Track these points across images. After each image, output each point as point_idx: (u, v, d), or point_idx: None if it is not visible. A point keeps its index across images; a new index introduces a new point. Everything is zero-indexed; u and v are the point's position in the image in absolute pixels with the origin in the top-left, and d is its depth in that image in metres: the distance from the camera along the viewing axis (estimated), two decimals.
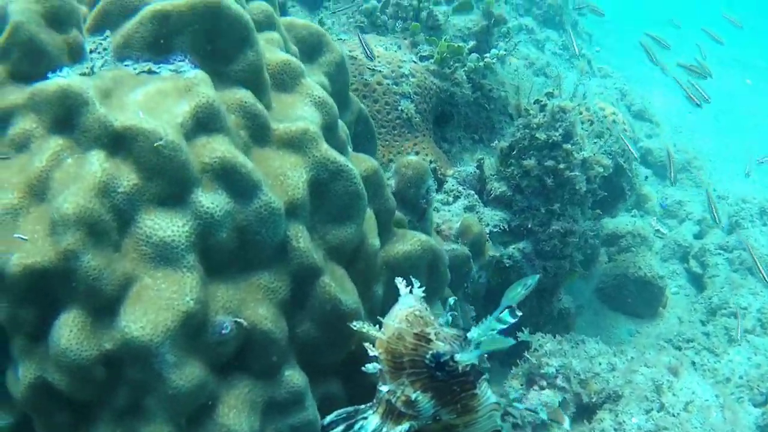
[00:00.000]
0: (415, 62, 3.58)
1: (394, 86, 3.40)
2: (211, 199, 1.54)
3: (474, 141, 3.93)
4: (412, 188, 2.59)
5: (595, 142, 3.69)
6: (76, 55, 1.74)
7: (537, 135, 3.29)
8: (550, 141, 3.30)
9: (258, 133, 1.72)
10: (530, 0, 6.45)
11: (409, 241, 2.08)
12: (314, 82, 1.93)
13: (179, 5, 1.72)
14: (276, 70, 1.90)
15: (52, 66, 1.68)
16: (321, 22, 4.86)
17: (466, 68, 3.72)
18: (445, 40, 3.67)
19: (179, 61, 1.73)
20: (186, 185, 1.53)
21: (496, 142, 3.50)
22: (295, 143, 1.74)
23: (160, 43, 1.74)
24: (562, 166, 3.33)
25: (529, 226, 3.42)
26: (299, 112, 1.82)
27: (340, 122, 1.97)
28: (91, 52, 1.80)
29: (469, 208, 3.33)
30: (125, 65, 1.76)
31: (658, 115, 6.42)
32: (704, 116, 6.94)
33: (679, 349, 4.57)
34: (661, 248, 5.40)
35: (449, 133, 3.83)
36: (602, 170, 3.53)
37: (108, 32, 1.84)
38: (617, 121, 4.26)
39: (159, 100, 1.60)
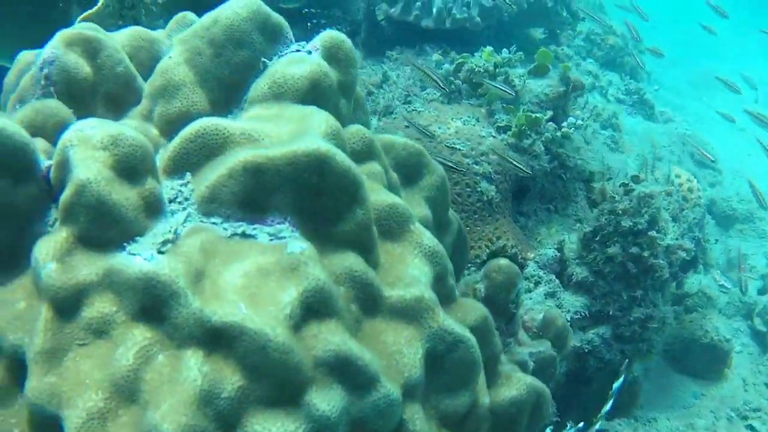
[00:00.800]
0: (494, 137, 3.50)
1: (475, 165, 3.34)
2: (326, 400, 1.39)
3: (549, 211, 3.85)
4: (502, 293, 2.53)
5: (674, 223, 3.59)
6: (153, 209, 1.53)
7: (623, 222, 3.21)
8: (636, 228, 3.21)
9: (369, 304, 1.57)
10: (591, 41, 6.32)
11: (515, 386, 2.00)
12: (421, 225, 1.84)
13: (276, 158, 1.51)
14: (382, 215, 1.74)
15: (128, 230, 1.48)
16: (386, 76, 4.81)
17: (543, 139, 3.64)
18: (523, 111, 3.59)
19: (278, 223, 1.54)
20: (298, 386, 1.38)
21: (579, 225, 3.42)
22: (410, 313, 1.60)
23: (254, 200, 1.55)
24: (646, 253, 3.24)
25: (610, 312, 3.33)
26: (410, 269, 1.72)
27: (449, 266, 1.90)
28: (170, 201, 1.60)
29: (550, 295, 3.27)
30: (213, 223, 1.56)
31: (718, 158, 6.26)
32: (764, 159, 6.75)
33: (746, 418, 4.48)
34: (725, 305, 5.27)
35: (525, 206, 3.76)
36: (685, 255, 3.44)
37: (189, 176, 1.63)
38: (692, 188, 4.15)
39: (260, 283, 1.41)
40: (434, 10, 5.00)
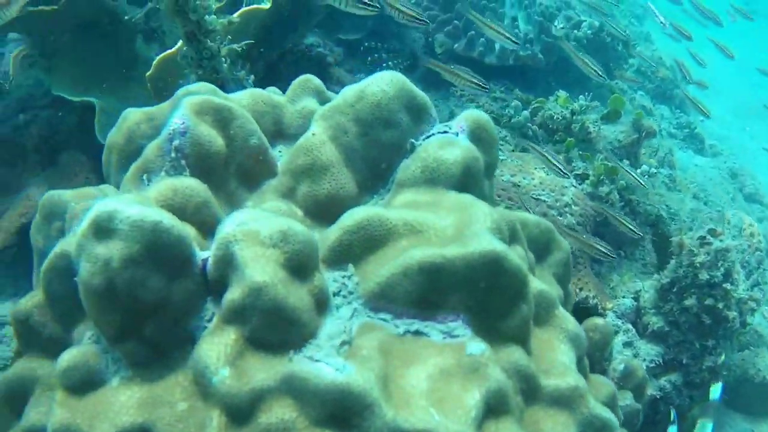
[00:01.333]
0: (575, 186, 3.62)
1: (559, 217, 3.45)
2: None
3: (620, 257, 3.96)
4: (597, 352, 2.64)
5: (747, 272, 3.70)
6: (322, 306, 1.53)
7: (700, 275, 3.32)
8: (712, 281, 3.32)
9: (530, 395, 1.68)
10: (642, 74, 6.41)
11: None
12: (563, 309, 1.97)
13: (453, 259, 1.56)
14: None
15: (302, 332, 1.46)
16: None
17: (618, 186, 3.75)
18: (600, 160, 3.71)
19: (451, 320, 1.60)
20: None
21: (655, 276, 3.53)
22: (564, 401, 1.71)
23: (427, 299, 1.59)
24: (720, 305, 3.35)
25: (683, 360, 3.45)
26: (559, 356, 1.83)
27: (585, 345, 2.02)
28: (334, 294, 1.60)
29: (627, 344, 3.39)
30: (382, 319, 1.59)
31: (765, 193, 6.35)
32: None
33: None
34: None
35: None
36: (755, 306, 3.55)
37: (351, 268, 1.66)
38: (754, 233, 4.25)
39: (444, 386, 1.48)
40: (497, 46, 5.12)
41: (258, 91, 2.28)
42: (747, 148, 7.32)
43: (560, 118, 3.87)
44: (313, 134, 1.99)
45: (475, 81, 3.59)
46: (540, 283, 1.89)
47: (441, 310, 1.61)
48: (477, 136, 1.99)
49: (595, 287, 3.47)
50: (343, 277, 1.65)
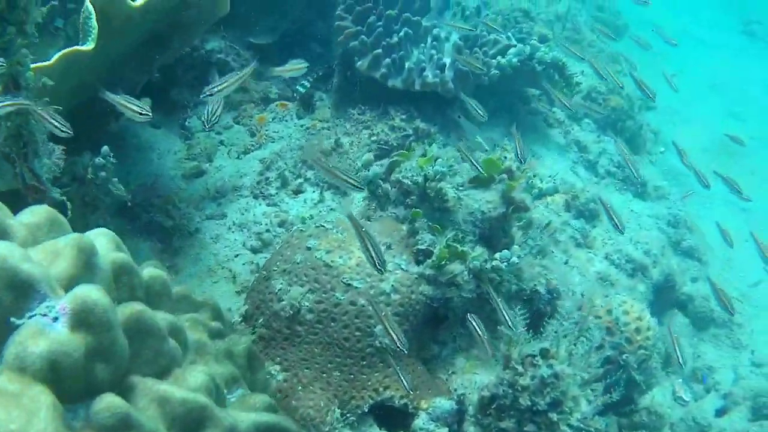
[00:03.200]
0: (404, 270, 3.14)
1: (370, 308, 2.99)
2: None
3: (472, 336, 3.50)
4: None
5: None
6: None
7: (520, 400, 2.85)
8: (534, 408, 2.86)
9: None
10: (591, 99, 5.81)
11: None
12: None
13: None
14: None
15: None
16: (338, 143, 4.44)
17: (470, 267, 3.28)
18: (446, 244, 3.22)
19: None
20: None
21: (480, 389, 3.06)
22: None
23: None
24: None
25: None
26: None
27: None
28: None
29: None
30: None
31: (710, 242, 5.76)
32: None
33: None
34: (678, 420, 4.89)
35: (442, 334, 3.42)
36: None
37: None
38: (640, 329, 3.74)
39: None
40: (406, 67, 4.57)
41: None
42: (705, 191, 6.66)
43: (410, 183, 3.36)
44: None
45: (351, 181, 3.08)
46: None
47: None
48: (82, 320, 1.63)
49: (416, 377, 3.04)
50: None
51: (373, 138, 4.47)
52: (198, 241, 4.15)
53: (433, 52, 4.70)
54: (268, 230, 4.06)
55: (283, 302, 3.06)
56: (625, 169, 5.52)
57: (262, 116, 4.94)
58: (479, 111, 4.04)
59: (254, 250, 4.02)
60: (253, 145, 4.79)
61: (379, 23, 4.72)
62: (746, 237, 6.32)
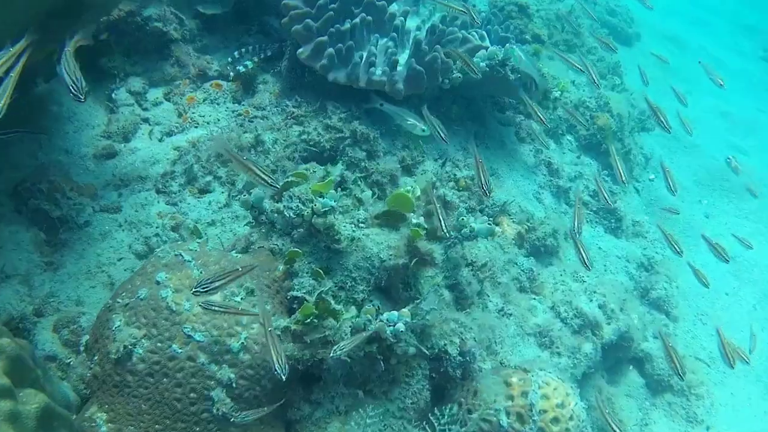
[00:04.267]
0: (261, 323, 2.60)
1: (212, 366, 2.47)
2: None
3: (355, 397, 2.98)
4: None
5: None
6: None
7: None
8: None
9: None
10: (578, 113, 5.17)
11: None
12: None
13: None
14: None
15: None
16: (259, 140, 3.89)
17: (352, 325, 2.75)
18: (315, 301, 2.68)
19: None
20: None
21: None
22: None
23: None
24: None
25: None
26: None
27: None
28: None
29: None
30: None
31: (679, 300, 5.11)
32: (743, 300, 5.63)
33: None
34: None
35: (316, 393, 2.90)
36: None
37: None
38: (560, 418, 3.17)
39: None
40: (352, 60, 3.97)
41: None
42: (693, 227, 6.01)
43: (293, 215, 2.81)
44: None
45: (267, 180, 2.55)
46: None
47: None
48: None
49: None
50: None
51: (303, 137, 3.89)
52: (85, 236, 3.62)
53: (390, 44, 4.09)
54: (157, 234, 3.52)
55: (117, 343, 2.54)
56: (601, 201, 4.90)
57: (192, 96, 4.37)
58: (441, 132, 3.46)
59: (139, 256, 3.49)
60: (177, 128, 4.23)
61: (333, 5, 4.10)
62: (728, 289, 5.74)
